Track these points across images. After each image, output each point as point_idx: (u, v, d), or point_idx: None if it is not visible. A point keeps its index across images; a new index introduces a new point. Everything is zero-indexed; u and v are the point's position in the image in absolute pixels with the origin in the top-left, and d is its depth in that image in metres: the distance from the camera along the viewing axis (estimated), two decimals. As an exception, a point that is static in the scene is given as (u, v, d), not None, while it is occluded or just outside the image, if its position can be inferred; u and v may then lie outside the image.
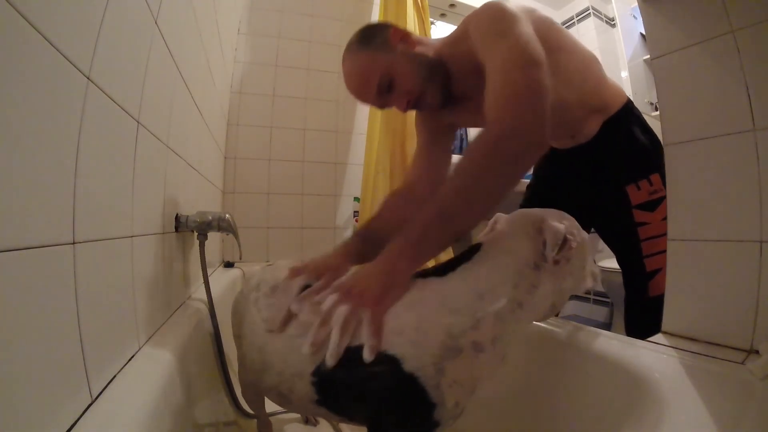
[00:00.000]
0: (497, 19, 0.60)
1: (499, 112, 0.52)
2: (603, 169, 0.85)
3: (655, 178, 0.82)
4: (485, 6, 0.64)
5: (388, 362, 0.44)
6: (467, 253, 0.52)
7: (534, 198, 1.01)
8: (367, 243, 0.69)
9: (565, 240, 0.49)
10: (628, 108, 0.86)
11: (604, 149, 0.85)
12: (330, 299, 0.49)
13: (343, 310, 0.47)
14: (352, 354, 0.46)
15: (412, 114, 1.43)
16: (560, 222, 0.50)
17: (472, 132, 1.98)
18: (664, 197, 0.77)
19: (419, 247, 0.50)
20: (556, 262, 0.50)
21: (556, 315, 0.80)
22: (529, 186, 1.07)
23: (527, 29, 0.58)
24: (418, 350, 0.44)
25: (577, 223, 0.54)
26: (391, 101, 0.73)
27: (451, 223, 0.51)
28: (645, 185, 0.82)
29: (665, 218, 0.75)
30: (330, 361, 0.45)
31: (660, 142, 0.79)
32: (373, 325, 0.45)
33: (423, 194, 0.79)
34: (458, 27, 0.72)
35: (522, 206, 1.01)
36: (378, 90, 0.70)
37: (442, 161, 0.84)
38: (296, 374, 0.50)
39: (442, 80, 0.73)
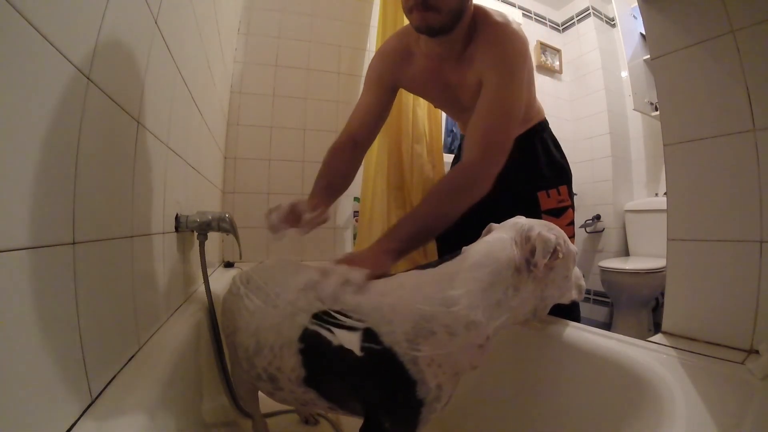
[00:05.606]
0: (515, 56, 0.75)
1: (476, 157, 0.73)
2: (518, 174, 0.95)
3: (563, 189, 0.96)
4: (513, 36, 0.76)
5: (365, 334, 0.48)
6: (451, 256, 0.56)
7: None
8: (328, 191, 0.82)
9: (554, 250, 0.52)
10: (544, 125, 1.01)
11: (521, 156, 0.92)
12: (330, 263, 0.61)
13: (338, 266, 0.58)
14: (333, 319, 0.51)
15: (410, 115, 1.44)
16: (549, 232, 0.54)
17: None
18: (569, 206, 0.96)
19: (401, 243, 0.66)
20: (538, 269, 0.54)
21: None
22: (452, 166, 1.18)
23: (526, 74, 0.78)
24: (392, 327, 0.48)
25: (565, 234, 0.57)
26: None
27: (426, 231, 0.70)
28: (554, 194, 0.95)
29: (569, 224, 0.95)
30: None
31: (567, 161, 1.01)
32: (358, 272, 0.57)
33: (363, 145, 0.91)
34: (485, 33, 0.78)
35: None
36: None
37: (380, 118, 0.93)
38: (285, 344, 0.53)
39: (462, 33, 0.78)
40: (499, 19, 0.78)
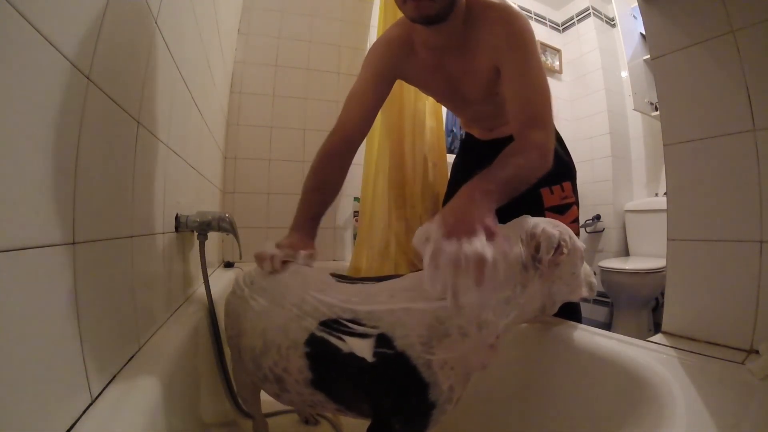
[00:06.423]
0: (526, 33, 0.73)
1: (537, 139, 0.69)
2: None
3: (566, 185, 0.93)
4: (518, 15, 0.74)
5: (378, 340, 0.48)
6: None
7: (457, 181, 1.09)
8: (316, 218, 0.84)
9: (558, 245, 0.52)
10: None
11: None
12: (438, 238, 0.49)
13: (452, 247, 0.46)
14: (343, 327, 0.50)
15: (411, 114, 1.44)
16: (554, 229, 0.54)
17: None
18: (573, 203, 0.92)
19: (497, 186, 0.60)
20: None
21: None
22: (454, 165, 1.21)
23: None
24: (406, 330, 0.48)
25: (571, 231, 0.57)
26: None
27: (515, 183, 0.63)
28: (557, 190, 0.92)
29: (573, 221, 0.92)
30: (452, 302, 0.46)
31: (571, 156, 0.99)
32: (490, 235, 0.49)
33: (358, 143, 0.86)
34: (485, 16, 0.75)
35: (448, 185, 1.22)
36: None
37: (377, 111, 0.87)
38: (292, 346, 0.53)
39: (460, 20, 0.76)
40: (495, 0, 0.76)
